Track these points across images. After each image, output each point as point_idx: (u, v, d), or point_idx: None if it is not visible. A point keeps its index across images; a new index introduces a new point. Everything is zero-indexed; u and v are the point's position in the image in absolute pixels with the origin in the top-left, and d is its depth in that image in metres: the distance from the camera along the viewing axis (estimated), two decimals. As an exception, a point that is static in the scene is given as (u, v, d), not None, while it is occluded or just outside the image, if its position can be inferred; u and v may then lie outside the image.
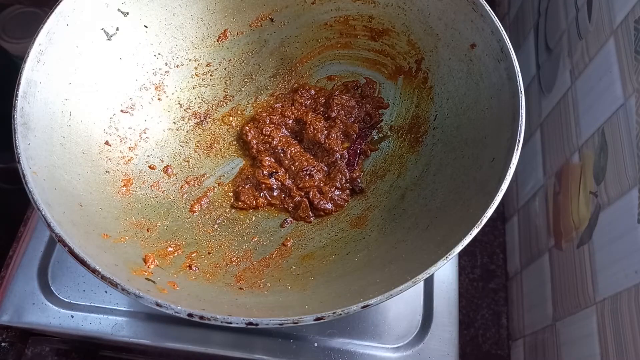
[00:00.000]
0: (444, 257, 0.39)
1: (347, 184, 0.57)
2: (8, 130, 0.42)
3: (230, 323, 0.36)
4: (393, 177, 0.56)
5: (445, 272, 0.57)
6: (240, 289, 0.47)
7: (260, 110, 0.61)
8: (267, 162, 0.57)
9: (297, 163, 0.57)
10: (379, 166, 0.58)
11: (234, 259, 0.51)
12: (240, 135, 0.60)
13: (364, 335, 0.53)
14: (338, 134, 0.59)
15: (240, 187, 0.57)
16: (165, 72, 0.57)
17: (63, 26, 0.47)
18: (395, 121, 0.59)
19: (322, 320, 0.36)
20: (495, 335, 0.75)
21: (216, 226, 0.54)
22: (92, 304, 0.53)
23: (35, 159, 0.42)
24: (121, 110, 0.53)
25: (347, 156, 0.58)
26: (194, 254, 0.50)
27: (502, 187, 0.41)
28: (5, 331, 0.56)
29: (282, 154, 0.58)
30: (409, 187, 0.54)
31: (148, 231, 0.49)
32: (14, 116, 0.42)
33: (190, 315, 0.36)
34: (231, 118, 0.61)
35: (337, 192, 0.56)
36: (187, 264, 0.48)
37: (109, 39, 0.51)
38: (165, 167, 0.56)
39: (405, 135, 0.58)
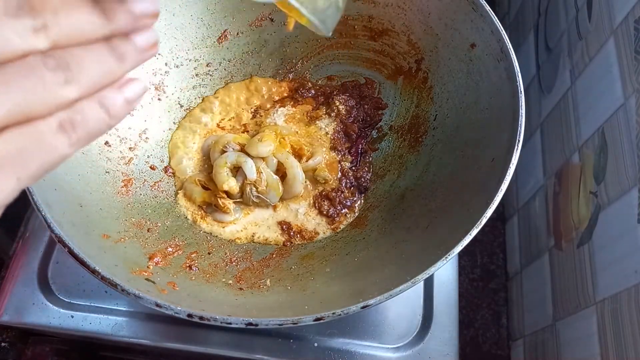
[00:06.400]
0: (444, 257, 0.39)
1: (354, 184, 0.56)
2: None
3: (230, 323, 0.36)
4: (393, 177, 0.56)
5: (445, 272, 0.57)
6: (240, 289, 0.47)
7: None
8: None
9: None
10: (379, 166, 0.58)
11: (234, 259, 0.51)
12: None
13: (364, 335, 0.53)
14: (340, 134, 0.58)
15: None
16: (165, 72, 0.57)
17: (63, 26, 0.47)
18: (395, 121, 0.59)
19: (321, 321, 0.36)
20: (495, 335, 0.75)
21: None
22: (92, 304, 0.53)
23: (35, 159, 0.42)
24: (121, 111, 0.53)
25: (349, 157, 0.58)
26: (194, 254, 0.50)
27: (502, 187, 0.41)
28: (5, 331, 0.56)
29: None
30: (409, 187, 0.54)
31: (148, 231, 0.49)
32: (13, 116, 0.42)
33: (189, 315, 0.36)
34: (231, 118, 0.61)
35: (342, 195, 0.56)
36: (187, 264, 0.48)
37: (108, 39, 0.51)
38: (165, 167, 0.56)
39: (405, 135, 0.58)
